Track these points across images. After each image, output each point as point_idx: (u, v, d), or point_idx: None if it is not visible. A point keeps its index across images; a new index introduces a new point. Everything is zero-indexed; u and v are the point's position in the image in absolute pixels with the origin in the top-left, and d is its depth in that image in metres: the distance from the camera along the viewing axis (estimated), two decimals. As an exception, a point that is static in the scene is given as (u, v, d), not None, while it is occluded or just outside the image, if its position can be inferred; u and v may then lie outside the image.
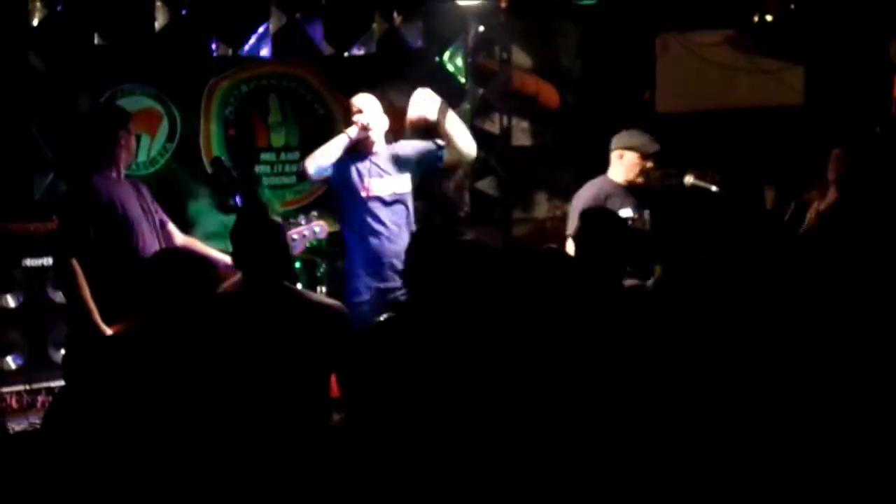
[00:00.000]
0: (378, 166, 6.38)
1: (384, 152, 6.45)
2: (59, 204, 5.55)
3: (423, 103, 6.73)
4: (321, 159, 6.32)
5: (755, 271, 4.42)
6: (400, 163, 6.44)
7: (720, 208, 6.71)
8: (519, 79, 8.83)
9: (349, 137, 6.34)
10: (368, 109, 6.39)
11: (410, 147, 6.53)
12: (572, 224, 6.42)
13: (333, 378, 4.45)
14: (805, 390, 3.79)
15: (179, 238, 5.66)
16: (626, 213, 6.44)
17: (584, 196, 6.67)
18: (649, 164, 6.70)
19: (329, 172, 6.34)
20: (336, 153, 6.32)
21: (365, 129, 6.34)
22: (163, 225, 5.55)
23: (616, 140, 6.75)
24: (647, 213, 6.59)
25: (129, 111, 6.01)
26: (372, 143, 6.39)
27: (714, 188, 6.72)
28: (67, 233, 5.20)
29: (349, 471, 3.98)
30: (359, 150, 6.38)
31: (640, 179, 6.70)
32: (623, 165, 6.69)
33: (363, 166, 6.36)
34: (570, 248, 5.75)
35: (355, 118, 6.38)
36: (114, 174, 5.35)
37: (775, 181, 8.40)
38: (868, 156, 6.15)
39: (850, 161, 6.26)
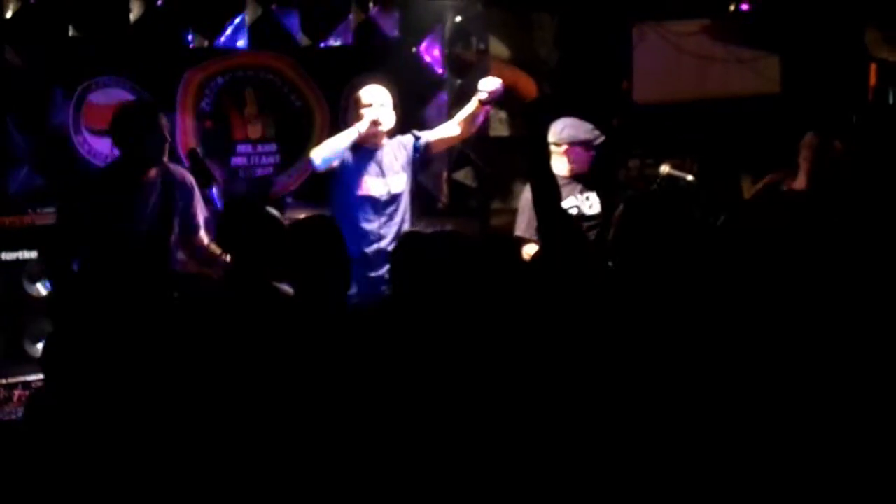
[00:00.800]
0: (378, 165, 6.37)
1: (388, 149, 6.44)
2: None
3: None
4: (328, 152, 6.29)
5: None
6: (399, 161, 6.43)
7: (696, 197, 6.70)
8: (496, 70, 8.81)
9: (358, 132, 6.31)
10: (378, 103, 6.36)
11: (406, 145, 6.51)
12: (522, 224, 6.34)
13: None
14: (771, 392, 3.79)
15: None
16: (569, 202, 6.37)
17: (525, 196, 6.44)
18: (593, 154, 6.55)
19: (335, 165, 6.31)
20: (343, 146, 6.30)
21: (375, 123, 6.31)
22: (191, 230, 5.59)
23: (557, 133, 6.48)
24: (594, 196, 6.51)
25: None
26: (379, 139, 6.37)
27: (690, 178, 6.71)
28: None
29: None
30: (362, 144, 6.36)
31: (585, 170, 6.56)
32: (569, 160, 6.51)
33: (362, 164, 6.34)
34: (526, 250, 5.67)
35: (363, 112, 6.34)
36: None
37: (752, 170, 8.42)
38: (842, 145, 6.10)
39: (822, 147, 6.18)
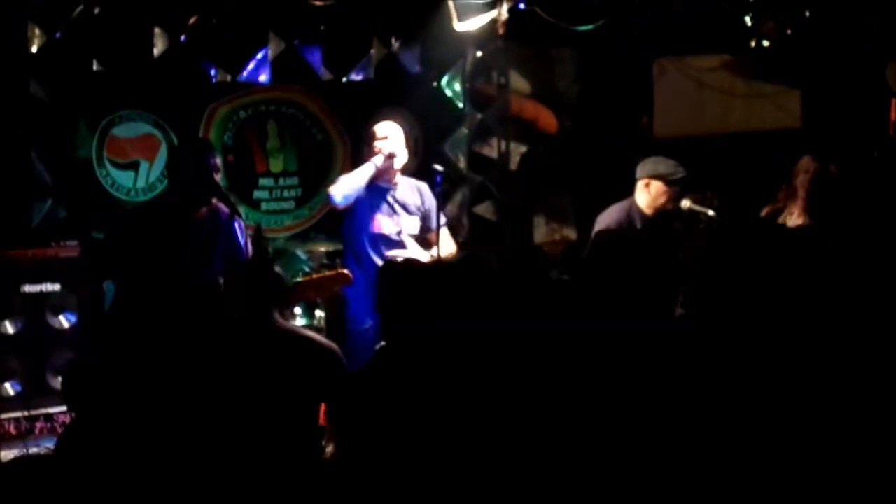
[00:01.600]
0: (390, 204, 6.37)
1: (401, 188, 6.44)
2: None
3: None
4: (348, 189, 6.28)
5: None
6: (413, 203, 6.43)
7: (718, 232, 6.68)
8: (517, 103, 8.86)
9: (375, 166, 6.31)
10: (392, 137, 6.38)
11: (423, 191, 6.51)
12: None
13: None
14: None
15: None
16: None
17: (606, 220, 6.51)
18: (676, 191, 6.57)
19: (352, 200, 6.30)
20: (362, 182, 6.29)
21: (390, 157, 6.32)
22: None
23: (641, 168, 6.58)
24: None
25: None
26: (393, 174, 6.38)
27: (711, 212, 6.70)
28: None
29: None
30: (375, 181, 6.35)
31: (669, 206, 6.56)
32: (649, 194, 6.54)
33: (375, 202, 6.35)
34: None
35: (378, 145, 6.35)
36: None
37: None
38: (838, 170, 6.06)
39: (819, 172, 6.13)
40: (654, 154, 6.73)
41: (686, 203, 6.77)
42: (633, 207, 6.54)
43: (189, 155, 5.62)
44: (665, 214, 6.59)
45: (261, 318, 4.43)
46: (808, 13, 8.33)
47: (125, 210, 7.12)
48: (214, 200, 5.57)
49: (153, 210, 5.77)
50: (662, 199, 6.56)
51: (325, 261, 7.67)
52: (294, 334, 4.52)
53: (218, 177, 5.56)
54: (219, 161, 5.65)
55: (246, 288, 4.46)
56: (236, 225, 5.58)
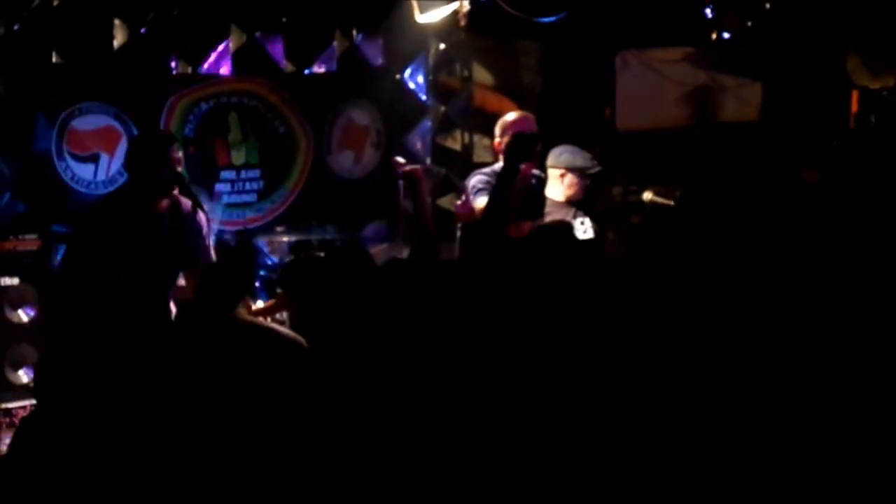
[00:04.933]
0: None
1: None
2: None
3: None
4: None
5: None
6: None
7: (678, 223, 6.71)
8: (480, 96, 8.86)
9: None
10: None
11: None
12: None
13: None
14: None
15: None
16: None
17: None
18: (588, 182, 6.57)
19: None
20: None
21: None
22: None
23: (556, 158, 6.44)
24: (588, 221, 6.51)
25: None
26: None
27: (672, 204, 6.72)
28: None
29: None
30: None
31: (580, 197, 6.56)
32: (564, 185, 6.42)
33: None
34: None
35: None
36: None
37: (734, 197, 8.45)
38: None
39: None
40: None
41: (648, 195, 6.80)
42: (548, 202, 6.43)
43: (148, 147, 5.56)
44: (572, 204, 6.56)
45: (226, 312, 4.41)
46: (768, 6, 8.38)
47: (85, 203, 7.06)
48: (176, 193, 5.53)
49: (113, 203, 5.71)
50: (575, 190, 6.52)
51: (287, 253, 7.64)
52: (258, 327, 4.50)
53: (179, 169, 5.52)
54: (180, 154, 5.60)
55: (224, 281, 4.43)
56: (199, 217, 5.55)
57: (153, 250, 5.39)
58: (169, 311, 5.49)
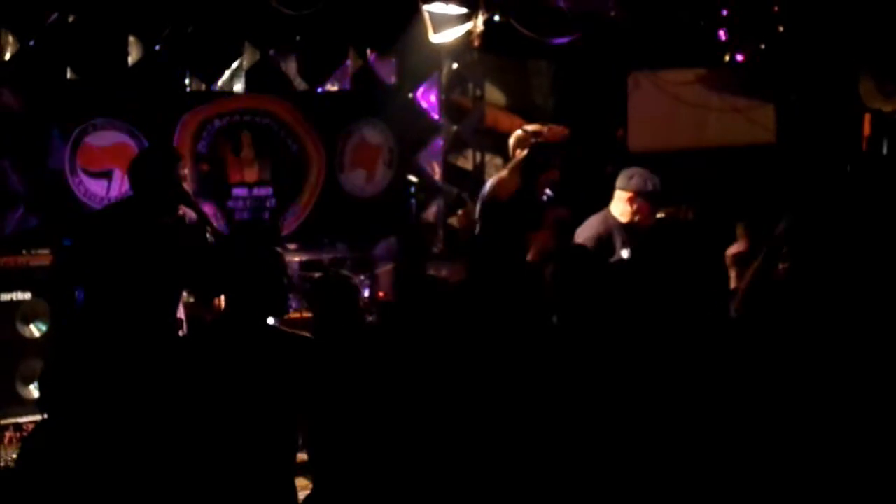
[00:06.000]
0: None
1: None
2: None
3: None
4: None
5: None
6: None
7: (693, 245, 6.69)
8: (492, 115, 8.88)
9: None
10: None
11: None
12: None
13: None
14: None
15: None
16: (626, 253, 6.33)
17: (585, 234, 6.41)
18: (655, 208, 6.49)
19: None
20: None
21: None
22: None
23: (626, 181, 6.45)
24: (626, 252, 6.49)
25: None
26: None
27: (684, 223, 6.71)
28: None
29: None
30: None
31: (646, 222, 6.47)
32: (630, 207, 6.42)
33: None
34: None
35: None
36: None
37: (747, 219, 8.44)
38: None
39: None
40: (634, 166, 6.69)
41: (660, 216, 6.76)
42: (610, 218, 6.45)
43: (152, 163, 5.56)
44: (640, 227, 6.55)
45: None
46: (781, 28, 8.38)
47: (89, 215, 7.03)
48: (182, 208, 5.53)
49: (116, 215, 5.69)
50: (642, 215, 6.52)
51: (298, 271, 7.64)
52: (280, 335, 4.48)
53: (185, 186, 5.51)
54: (186, 171, 5.60)
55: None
56: (205, 232, 5.55)
57: (156, 263, 5.39)
58: (174, 323, 5.50)
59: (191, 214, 5.54)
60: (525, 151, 6.19)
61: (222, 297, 5.18)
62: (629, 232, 6.46)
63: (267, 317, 4.36)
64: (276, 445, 4.12)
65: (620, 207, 6.43)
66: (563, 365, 3.98)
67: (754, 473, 3.79)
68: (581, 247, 5.83)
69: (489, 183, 6.37)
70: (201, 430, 4.07)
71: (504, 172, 6.31)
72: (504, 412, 3.91)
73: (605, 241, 6.31)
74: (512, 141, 6.36)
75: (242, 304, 4.16)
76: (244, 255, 4.29)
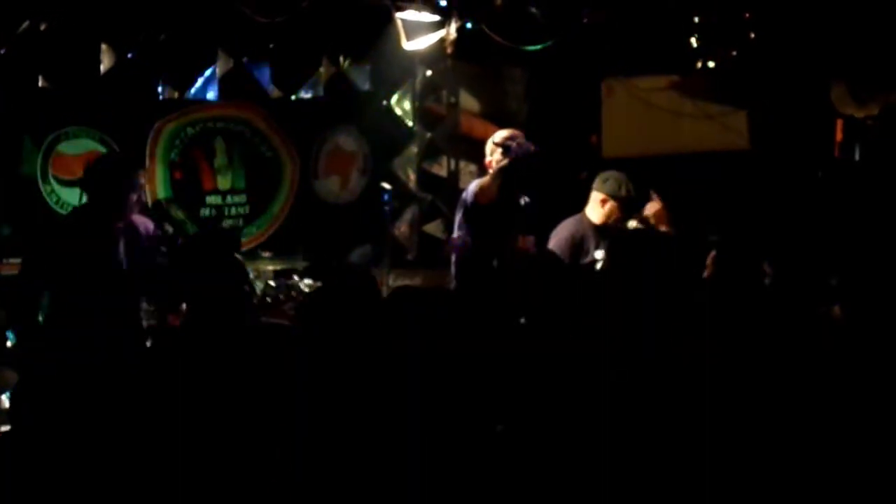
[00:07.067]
0: None
1: None
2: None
3: None
4: None
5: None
6: None
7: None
8: (466, 122, 8.87)
9: None
10: None
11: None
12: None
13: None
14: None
15: None
16: (599, 254, 6.41)
17: (560, 235, 6.60)
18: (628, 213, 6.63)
19: None
20: None
21: None
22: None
23: (602, 183, 6.64)
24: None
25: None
26: None
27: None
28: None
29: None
30: None
31: (618, 224, 6.59)
32: (603, 209, 6.60)
33: None
34: None
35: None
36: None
37: (721, 225, 8.46)
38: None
39: None
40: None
41: (633, 223, 6.80)
42: (585, 220, 6.63)
43: (110, 169, 5.58)
44: (612, 228, 6.63)
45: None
46: (753, 35, 8.42)
47: (49, 222, 7.02)
48: (134, 216, 5.56)
49: (70, 224, 5.72)
50: (615, 217, 6.62)
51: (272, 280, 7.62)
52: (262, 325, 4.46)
53: (137, 195, 5.54)
54: (141, 180, 5.65)
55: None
56: (157, 239, 5.58)
57: (110, 269, 5.40)
58: (136, 328, 5.52)
59: (148, 225, 5.55)
60: (505, 161, 6.24)
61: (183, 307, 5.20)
62: (603, 234, 6.57)
63: (228, 325, 4.37)
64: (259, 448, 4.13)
65: (595, 209, 6.62)
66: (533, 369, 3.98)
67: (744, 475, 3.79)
68: (552, 253, 5.90)
69: (471, 188, 6.41)
70: (174, 438, 4.07)
71: (486, 178, 6.35)
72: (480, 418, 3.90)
73: (578, 242, 6.52)
74: (487, 148, 6.40)
75: (201, 314, 4.16)
76: (202, 265, 4.29)
